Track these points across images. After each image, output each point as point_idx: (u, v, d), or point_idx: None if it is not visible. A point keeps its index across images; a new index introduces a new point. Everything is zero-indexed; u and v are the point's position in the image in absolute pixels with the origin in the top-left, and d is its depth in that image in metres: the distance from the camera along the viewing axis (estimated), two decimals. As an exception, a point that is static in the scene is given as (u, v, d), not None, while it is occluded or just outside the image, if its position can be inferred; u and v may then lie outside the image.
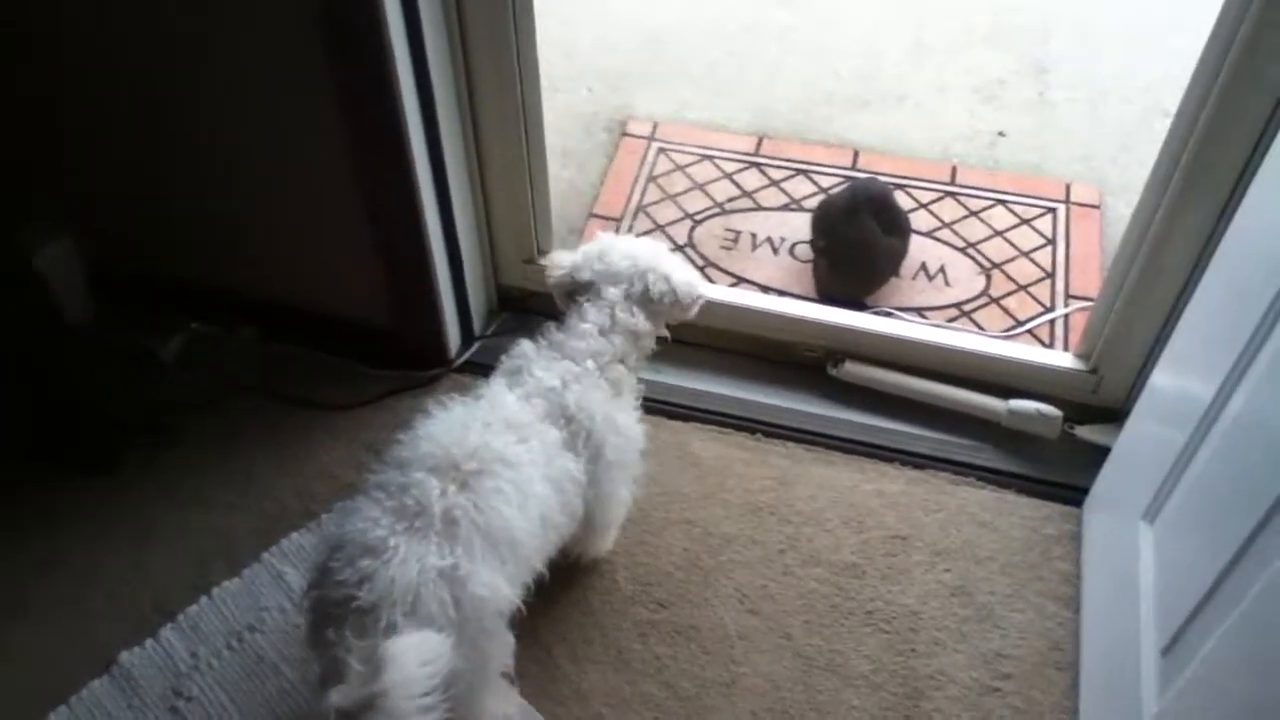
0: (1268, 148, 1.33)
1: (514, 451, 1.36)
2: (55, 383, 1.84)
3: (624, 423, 1.53)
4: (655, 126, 2.54)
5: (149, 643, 1.64)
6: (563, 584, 1.69)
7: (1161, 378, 1.53)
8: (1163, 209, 1.57)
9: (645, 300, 1.54)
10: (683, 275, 1.58)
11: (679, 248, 2.26)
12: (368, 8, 1.49)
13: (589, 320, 1.51)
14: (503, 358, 1.53)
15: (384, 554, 1.23)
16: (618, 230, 2.30)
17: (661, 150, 2.49)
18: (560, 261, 1.59)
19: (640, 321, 1.53)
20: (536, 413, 1.42)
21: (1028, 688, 1.58)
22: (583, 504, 1.48)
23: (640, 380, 1.60)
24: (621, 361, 1.53)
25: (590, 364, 1.48)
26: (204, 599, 1.68)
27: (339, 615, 1.22)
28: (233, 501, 1.81)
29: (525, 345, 1.51)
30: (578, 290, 1.56)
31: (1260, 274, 1.21)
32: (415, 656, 1.14)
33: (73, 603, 1.69)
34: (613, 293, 1.53)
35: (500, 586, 1.30)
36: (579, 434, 1.45)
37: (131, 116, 1.77)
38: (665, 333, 1.62)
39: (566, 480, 1.43)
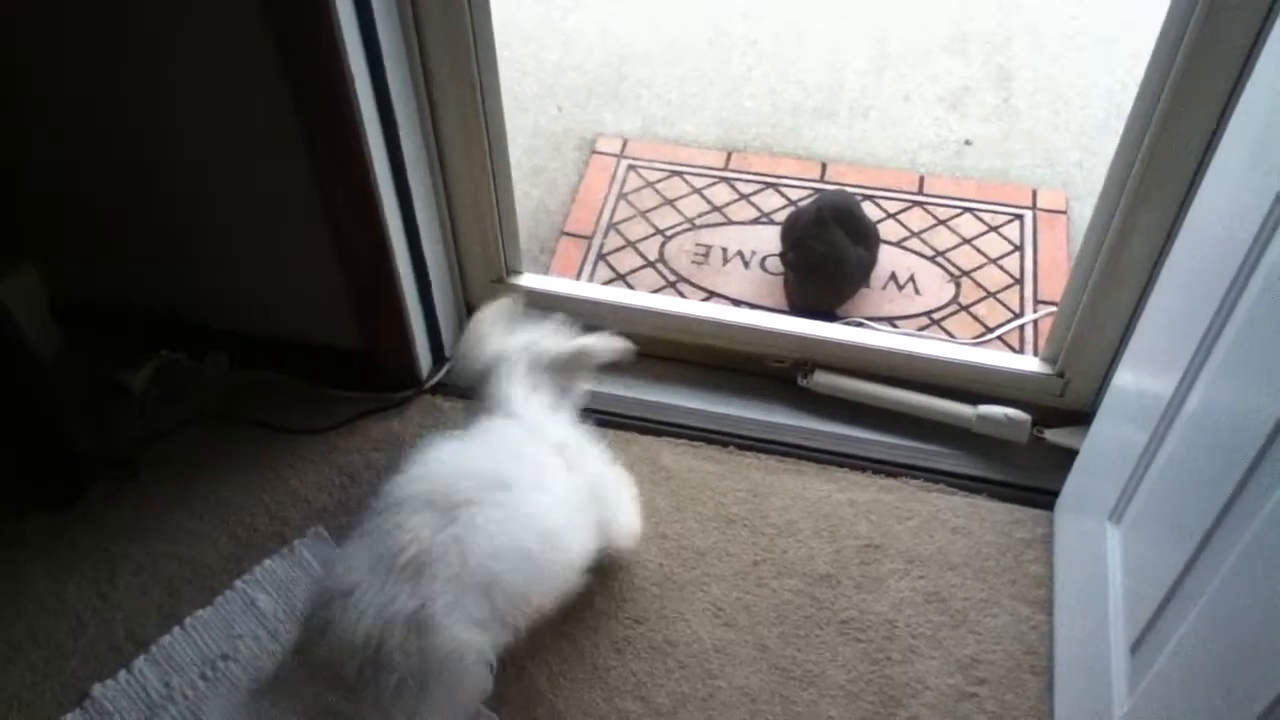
0: (1218, 146, 1.35)
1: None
2: (20, 415, 1.83)
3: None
4: (625, 143, 2.55)
5: (122, 674, 1.62)
6: (537, 602, 1.69)
7: (1124, 378, 1.54)
8: (1120, 211, 1.59)
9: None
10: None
11: (650, 264, 2.27)
12: (325, 32, 1.50)
13: None
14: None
15: (349, 600, 1.19)
16: (588, 248, 2.31)
17: (631, 167, 2.50)
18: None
19: None
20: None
21: (1003, 692, 1.58)
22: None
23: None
24: None
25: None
26: (176, 629, 1.67)
27: (316, 671, 1.19)
28: (203, 529, 1.80)
29: None
30: None
31: (1213, 270, 1.22)
32: None
33: (41, 636, 1.68)
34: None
35: (473, 637, 1.24)
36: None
37: (93, 146, 1.77)
38: None
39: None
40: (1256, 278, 1.13)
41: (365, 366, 1.95)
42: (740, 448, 1.88)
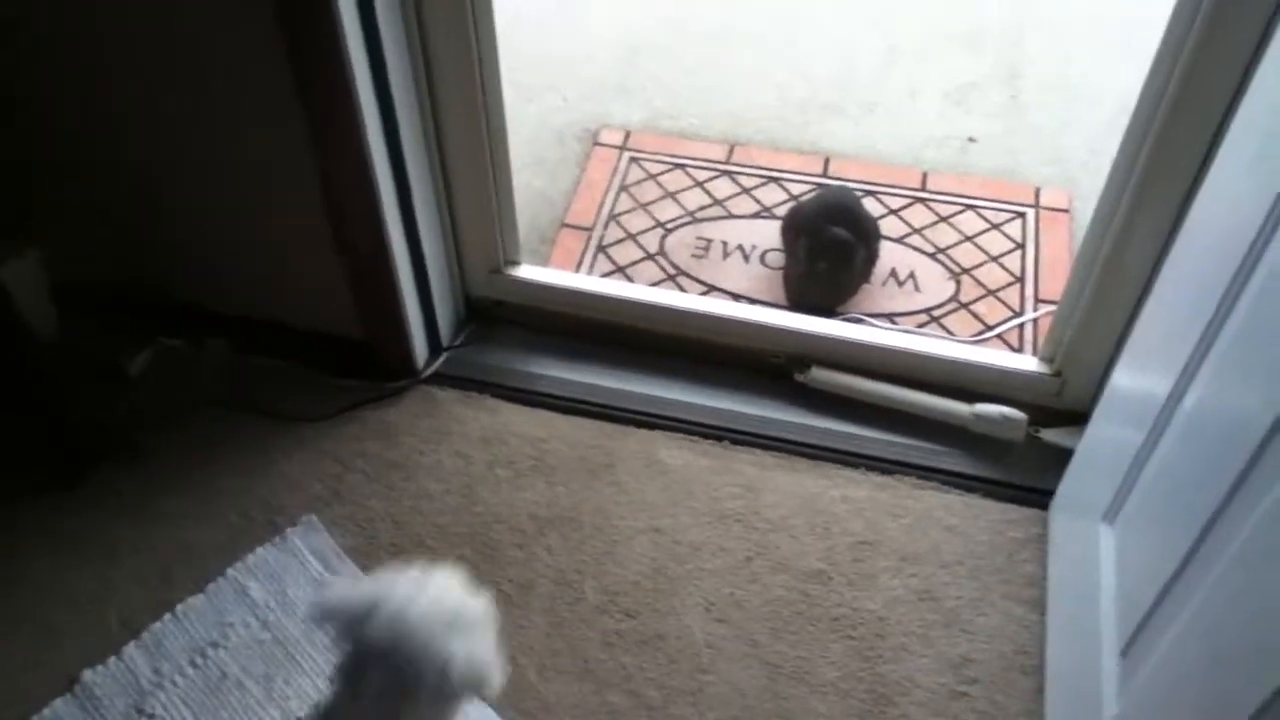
0: (1220, 146, 1.33)
1: None
2: (19, 397, 1.83)
3: None
4: (628, 135, 2.54)
5: (112, 660, 1.62)
6: (529, 595, 1.69)
7: (1121, 377, 1.53)
8: (1122, 210, 1.57)
9: (415, 690, 1.07)
10: (470, 663, 1.09)
11: (650, 256, 2.26)
12: (323, 16, 1.49)
13: None
14: None
15: None
16: (588, 239, 2.30)
17: (634, 159, 2.49)
18: (319, 606, 1.14)
19: (420, 712, 1.10)
20: None
21: (994, 692, 1.57)
22: None
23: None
24: None
25: None
26: (168, 615, 1.67)
27: None
28: (198, 515, 1.80)
29: None
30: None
31: (1212, 270, 1.21)
32: None
33: (35, 620, 1.68)
34: (375, 682, 1.08)
35: None
36: None
37: (95, 130, 1.77)
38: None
39: None
40: (1256, 279, 1.12)
41: (362, 354, 1.94)
42: (735, 443, 1.88)
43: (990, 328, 2.10)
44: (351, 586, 1.15)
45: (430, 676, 1.07)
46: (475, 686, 1.10)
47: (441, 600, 1.11)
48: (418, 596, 1.11)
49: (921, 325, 2.11)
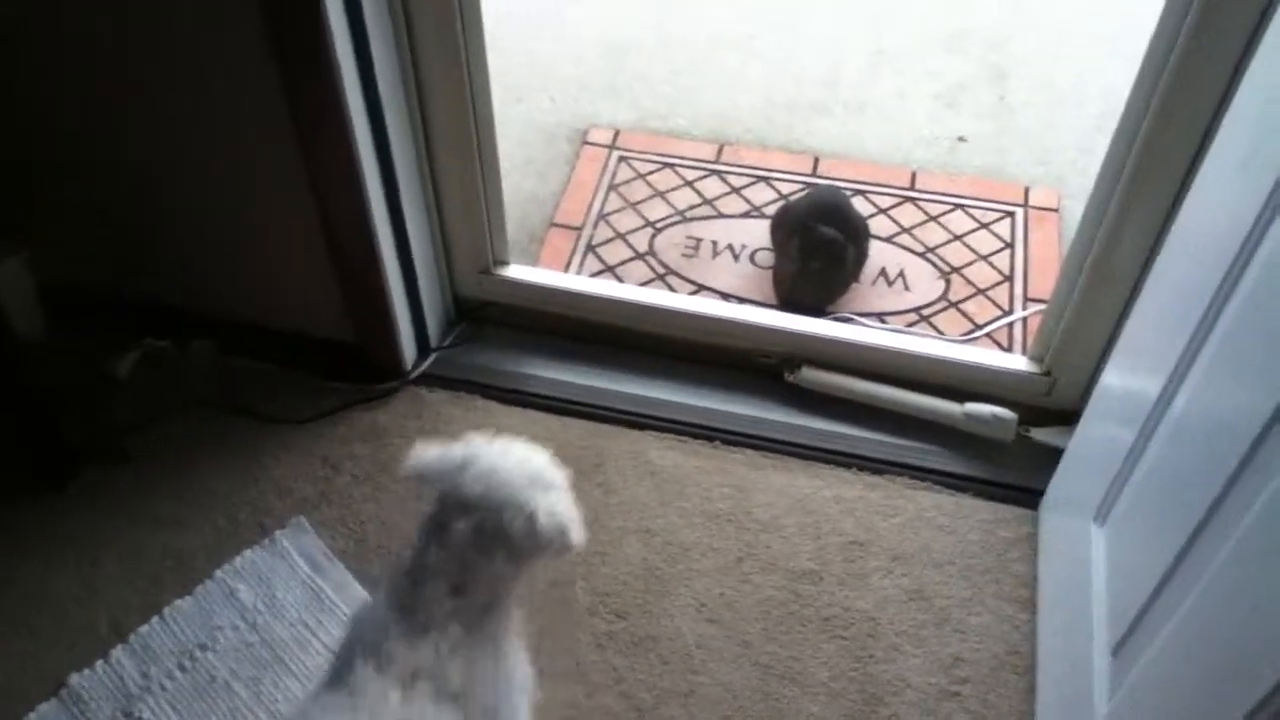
0: (1211, 146, 1.34)
1: None
2: (7, 401, 1.82)
3: (518, 676, 1.28)
4: (617, 135, 2.54)
5: (99, 664, 1.61)
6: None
7: (1111, 377, 1.53)
8: (1112, 209, 1.58)
9: (501, 539, 1.17)
10: (552, 515, 1.18)
11: (640, 256, 2.26)
12: (310, 16, 1.48)
13: (437, 572, 1.18)
14: (358, 626, 1.25)
15: None
16: (578, 239, 2.29)
17: (623, 159, 2.49)
18: (414, 463, 1.25)
19: (498, 566, 1.18)
20: (423, 698, 1.15)
21: (985, 691, 1.57)
22: None
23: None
24: (488, 609, 1.21)
25: (455, 629, 1.17)
26: (155, 618, 1.66)
27: None
28: (186, 518, 1.79)
29: (378, 610, 1.21)
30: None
31: (1203, 269, 1.21)
32: None
33: (22, 623, 1.67)
34: (461, 530, 1.17)
35: None
36: (474, 710, 1.18)
37: (82, 131, 1.76)
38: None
39: None
40: (1247, 278, 1.12)
41: (350, 356, 1.93)
42: (726, 443, 1.87)
43: (980, 326, 2.10)
44: (443, 448, 1.23)
45: (518, 523, 1.16)
46: (557, 538, 1.18)
47: (527, 460, 1.21)
48: (506, 456, 1.21)
49: (911, 324, 2.11)
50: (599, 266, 2.24)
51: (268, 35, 1.53)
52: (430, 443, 1.24)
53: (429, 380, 1.96)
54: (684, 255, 2.27)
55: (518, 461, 1.21)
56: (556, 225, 2.33)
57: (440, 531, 1.18)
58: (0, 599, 1.70)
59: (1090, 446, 1.57)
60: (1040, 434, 1.80)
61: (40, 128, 1.78)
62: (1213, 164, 1.31)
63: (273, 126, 1.63)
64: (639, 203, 2.38)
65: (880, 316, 2.13)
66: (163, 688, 1.59)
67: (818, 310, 2.09)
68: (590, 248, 2.28)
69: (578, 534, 1.20)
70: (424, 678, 1.15)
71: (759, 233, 2.29)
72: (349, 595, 1.68)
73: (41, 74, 1.70)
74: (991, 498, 1.78)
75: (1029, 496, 1.77)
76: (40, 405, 1.85)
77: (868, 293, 2.18)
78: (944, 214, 2.33)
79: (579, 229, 2.32)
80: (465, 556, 1.17)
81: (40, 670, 1.61)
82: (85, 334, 1.95)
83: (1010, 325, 2.09)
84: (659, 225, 2.33)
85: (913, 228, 2.30)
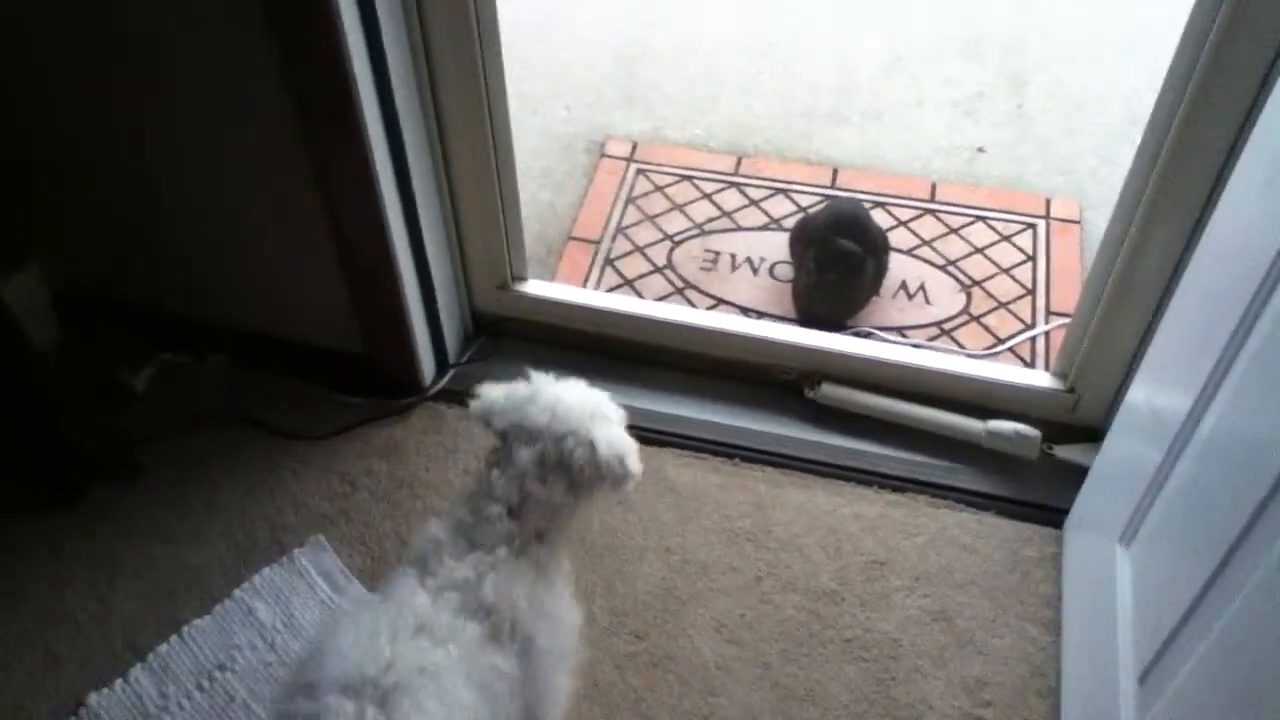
0: (1238, 159, 1.31)
1: (431, 659, 1.17)
2: (22, 415, 1.82)
3: (553, 607, 1.31)
4: (634, 147, 2.53)
5: (118, 683, 1.61)
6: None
7: (1137, 394, 1.51)
8: (1137, 222, 1.55)
9: (562, 468, 1.26)
10: (611, 445, 1.27)
11: (658, 269, 2.25)
12: (326, 29, 1.47)
13: (497, 496, 1.26)
14: (412, 542, 1.33)
15: None
16: (595, 252, 2.28)
17: (640, 171, 2.48)
18: (482, 401, 1.34)
19: (557, 494, 1.27)
20: (451, 607, 1.21)
21: (1009, 714, 1.55)
22: (520, 702, 1.28)
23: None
24: (540, 539, 1.29)
25: (503, 550, 1.25)
26: (174, 637, 1.65)
27: None
28: (203, 534, 1.79)
29: (434, 528, 1.29)
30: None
31: (1232, 285, 1.19)
32: None
33: (38, 642, 1.67)
34: (524, 457, 1.26)
35: None
36: (502, 625, 1.24)
37: (99, 146, 1.76)
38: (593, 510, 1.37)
39: (496, 679, 1.23)
40: (1277, 297, 1.10)
41: (368, 371, 1.93)
42: (745, 460, 1.86)
43: (1001, 340, 2.08)
44: (509, 385, 1.33)
45: (580, 451, 1.25)
46: (616, 466, 1.26)
47: (587, 396, 1.32)
48: (570, 391, 1.31)
49: (932, 338, 2.09)
50: (617, 280, 2.23)
51: (281, 45, 1.51)
52: (494, 384, 1.34)
53: (447, 396, 1.95)
54: (703, 269, 2.26)
55: (580, 396, 1.31)
56: (574, 238, 2.32)
57: (504, 460, 1.28)
58: (15, 616, 1.70)
59: (1116, 465, 1.54)
60: (1064, 451, 1.78)
61: (40, 128, 1.78)
62: (1240, 178, 1.29)
63: (286, 138, 1.62)
64: (657, 216, 2.37)
65: (901, 331, 2.11)
66: (181, 707, 1.58)
67: (837, 324, 2.08)
68: (608, 261, 2.27)
69: (635, 462, 1.27)
70: (455, 589, 1.22)
71: (778, 246, 2.27)
72: (366, 614, 1.67)
73: (41, 74, 1.69)
74: (1015, 516, 1.76)
75: (1053, 515, 1.74)
76: (55, 420, 1.85)
77: (888, 306, 2.16)
78: (965, 226, 2.31)
79: (597, 242, 2.31)
80: (525, 483, 1.26)
81: (58, 690, 1.61)
82: (101, 347, 1.96)
83: (1033, 340, 2.07)
84: (677, 238, 2.32)
85: (933, 240, 2.29)
